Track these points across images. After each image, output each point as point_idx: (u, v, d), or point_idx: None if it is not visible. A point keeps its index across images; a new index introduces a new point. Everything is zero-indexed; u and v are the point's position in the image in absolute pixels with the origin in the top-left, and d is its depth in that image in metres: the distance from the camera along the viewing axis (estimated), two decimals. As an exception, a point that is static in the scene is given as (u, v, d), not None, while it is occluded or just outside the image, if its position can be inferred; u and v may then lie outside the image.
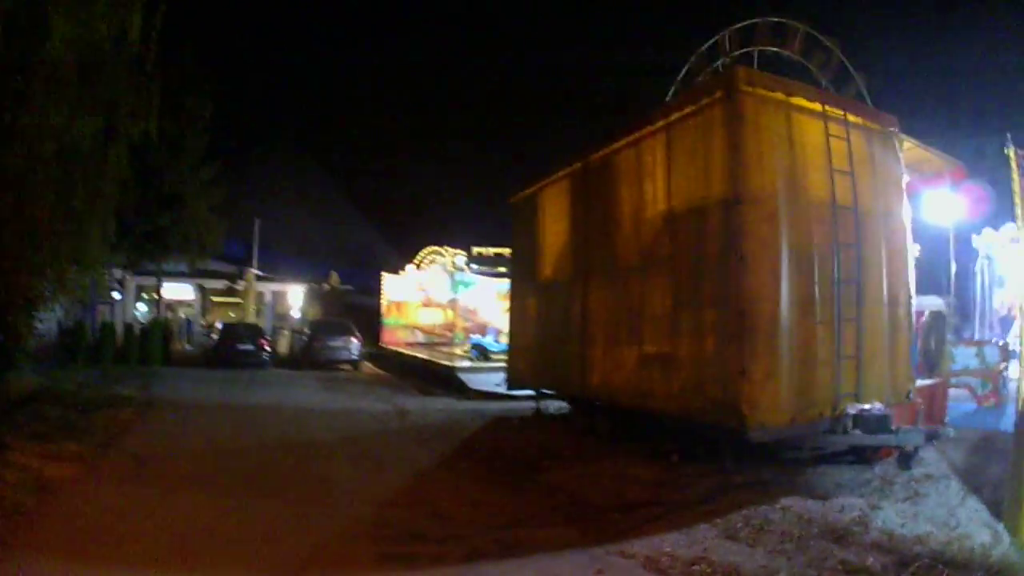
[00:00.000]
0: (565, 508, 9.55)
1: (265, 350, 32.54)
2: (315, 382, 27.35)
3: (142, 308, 47.28)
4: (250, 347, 32.14)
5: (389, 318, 42.17)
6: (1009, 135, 8.61)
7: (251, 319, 42.52)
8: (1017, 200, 8.56)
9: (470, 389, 23.64)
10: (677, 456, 11.86)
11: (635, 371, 12.88)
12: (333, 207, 67.44)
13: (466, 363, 28.54)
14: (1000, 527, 8.23)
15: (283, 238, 55.68)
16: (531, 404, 18.65)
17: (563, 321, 15.98)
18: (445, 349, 35.86)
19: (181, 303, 51.16)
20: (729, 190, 10.56)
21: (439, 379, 26.79)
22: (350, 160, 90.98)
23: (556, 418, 17.62)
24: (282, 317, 49.56)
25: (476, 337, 32.83)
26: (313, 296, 50.73)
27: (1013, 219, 9.18)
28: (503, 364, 22.13)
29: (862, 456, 11.47)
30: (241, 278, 46.13)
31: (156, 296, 39.82)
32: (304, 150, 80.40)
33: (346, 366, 33.68)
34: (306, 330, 35.97)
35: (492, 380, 23.25)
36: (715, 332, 10.80)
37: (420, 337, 40.91)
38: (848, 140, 11.43)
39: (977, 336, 19.46)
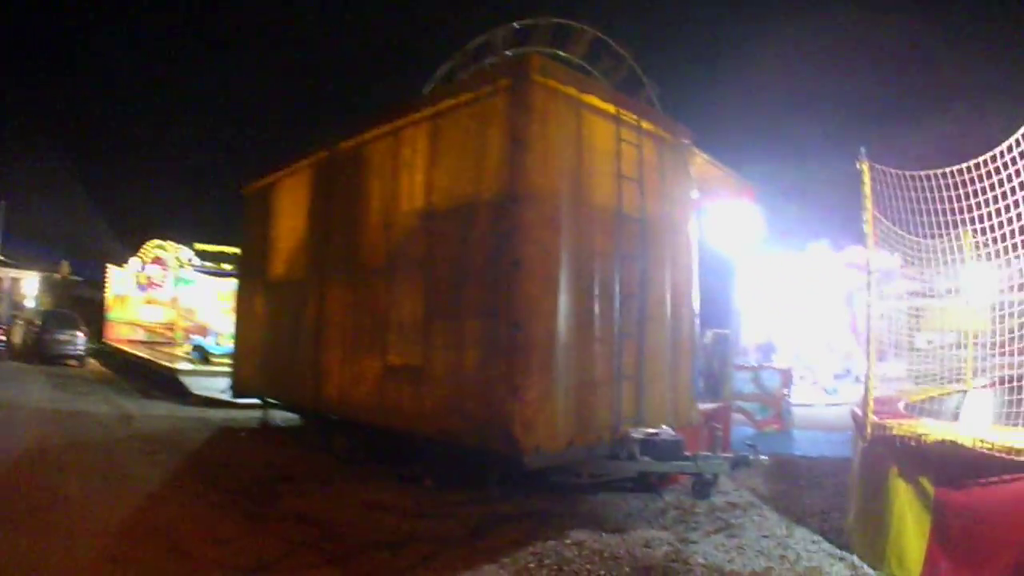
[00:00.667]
0: (319, 544, 7.96)
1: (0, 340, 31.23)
2: (45, 378, 25.36)
3: None
4: None
5: (113, 313, 39.25)
6: (863, 149, 7.92)
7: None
8: (867, 216, 7.89)
9: (192, 394, 21.47)
10: (430, 481, 10.65)
11: (379, 385, 11.45)
12: (71, 193, 61.48)
13: (187, 365, 26.38)
14: (854, 558, 7.56)
15: (23, 223, 50.67)
16: (256, 414, 16.99)
17: (295, 325, 14.21)
18: (166, 349, 33.31)
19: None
20: (506, 187, 9.38)
21: (161, 381, 24.60)
22: (89, 143, 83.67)
23: (286, 431, 15.95)
24: (18, 306, 45.42)
25: (197, 338, 30.47)
26: (46, 285, 47.43)
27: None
28: (226, 369, 20.65)
29: (647, 484, 10.62)
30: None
31: None
32: (43, 129, 73.55)
33: (73, 361, 31.56)
34: (37, 321, 33.37)
35: (215, 385, 21.55)
36: (481, 345, 9.59)
37: (142, 335, 38.04)
38: (640, 147, 10.70)
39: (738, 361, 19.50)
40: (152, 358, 29.04)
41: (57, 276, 48.10)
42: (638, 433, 9.84)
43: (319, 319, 13.36)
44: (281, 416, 16.53)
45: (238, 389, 17.41)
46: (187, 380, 23.15)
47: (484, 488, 10.00)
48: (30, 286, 47.15)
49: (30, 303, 45.84)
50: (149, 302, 39.43)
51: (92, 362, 33.23)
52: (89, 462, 11.73)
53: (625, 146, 10.48)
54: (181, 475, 11.33)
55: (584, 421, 9.55)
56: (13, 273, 46.60)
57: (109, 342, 37.60)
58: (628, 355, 10.17)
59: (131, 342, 36.69)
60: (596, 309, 9.82)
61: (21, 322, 37.31)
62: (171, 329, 37.43)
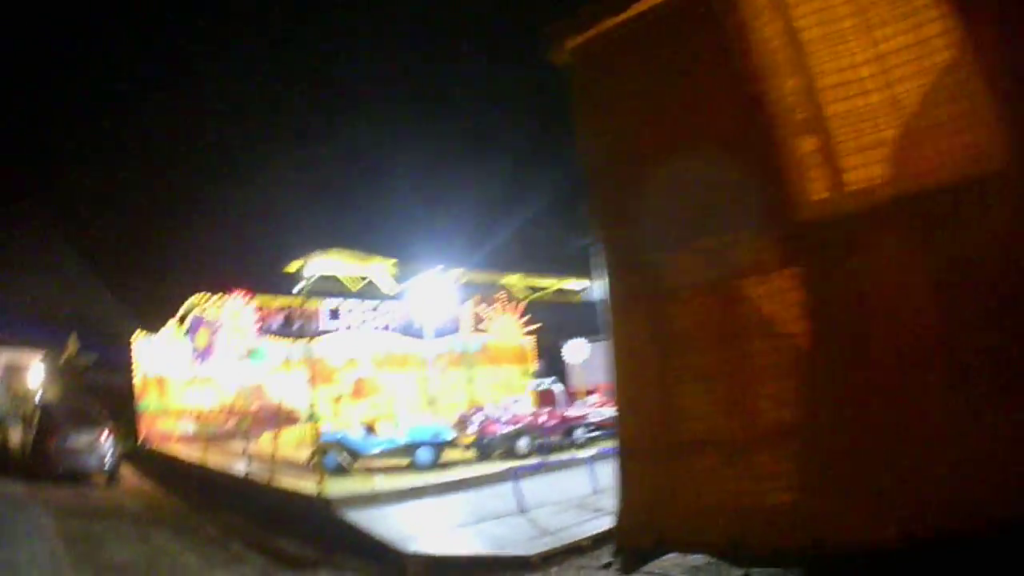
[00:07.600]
0: None
1: None
2: (47, 521, 15.03)
3: None
4: None
5: (147, 401, 29.23)
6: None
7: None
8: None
9: (403, 555, 11.23)
10: None
11: None
12: (75, 255, 50.87)
13: (342, 489, 15.08)
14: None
15: (18, 300, 42.13)
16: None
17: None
18: (239, 447, 21.99)
19: None
20: None
21: (282, 517, 14.37)
22: (86, 189, 72.58)
23: None
24: (21, 398, 36.61)
25: (337, 431, 19.32)
26: (51, 371, 38.90)
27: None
28: (387, 486, 14.97)
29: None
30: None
31: None
32: (34, 188, 65.46)
33: (97, 478, 21.61)
34: (35, 420, 23.37)
35: (397, 519, 12.98)
36: None
37: (202, 428, 27.71)
38: None
39: None
40: (259, 478, 17.65)
41: (62, 358, 39.25)
42: None
43: None
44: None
45: (644, 550, 7.23)
46: (361, 517, 12.83)
47: None
48: (34, 373, 38.56)
49: (36, 395, 36.87)
50: (197, 380, 29.23)
51: (128, 477, 23.42)
52: None
53: None
54: None
55: None
56: (6, 357, 38.43)
57: (150, 444, 28.06)
58: None
59: (184, 440, 26.91)
60: None
61: (19, 422, 28.22)
62: (235, 415, 26.63)
